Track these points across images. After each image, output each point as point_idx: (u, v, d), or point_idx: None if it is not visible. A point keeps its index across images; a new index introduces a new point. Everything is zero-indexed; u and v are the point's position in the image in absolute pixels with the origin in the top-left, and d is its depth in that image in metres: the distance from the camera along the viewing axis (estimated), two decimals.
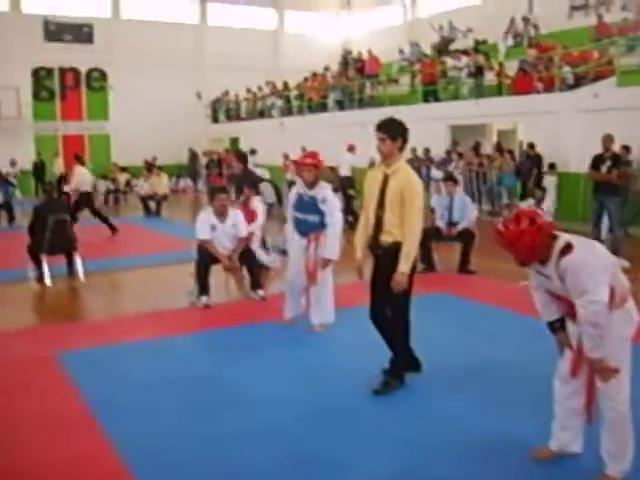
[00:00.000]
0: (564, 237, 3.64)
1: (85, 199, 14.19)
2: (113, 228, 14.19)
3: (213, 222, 8.08)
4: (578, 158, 13.71)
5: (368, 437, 4.46)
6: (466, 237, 9.72)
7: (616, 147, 11.44)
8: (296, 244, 6.80)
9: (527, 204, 13.95)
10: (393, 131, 5.02)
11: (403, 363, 5.29)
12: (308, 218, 6.62)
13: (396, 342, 5.24)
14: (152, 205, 18.32)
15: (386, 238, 5.04)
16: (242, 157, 12.10)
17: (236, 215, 8.27)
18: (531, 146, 15.28)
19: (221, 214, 8.11)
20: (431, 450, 4.23)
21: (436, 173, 17.10)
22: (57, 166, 23.72)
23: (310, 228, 6.63)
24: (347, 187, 16.34)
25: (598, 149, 10.98)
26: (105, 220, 14.31)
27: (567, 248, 3.56)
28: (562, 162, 14.80)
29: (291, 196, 6.88)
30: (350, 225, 12.69)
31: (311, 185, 6.60)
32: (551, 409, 4.02)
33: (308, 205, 6.61)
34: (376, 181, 5.12)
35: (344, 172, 16.91)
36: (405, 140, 5.08)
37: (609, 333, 3.51)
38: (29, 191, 22.72)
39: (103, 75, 27.51)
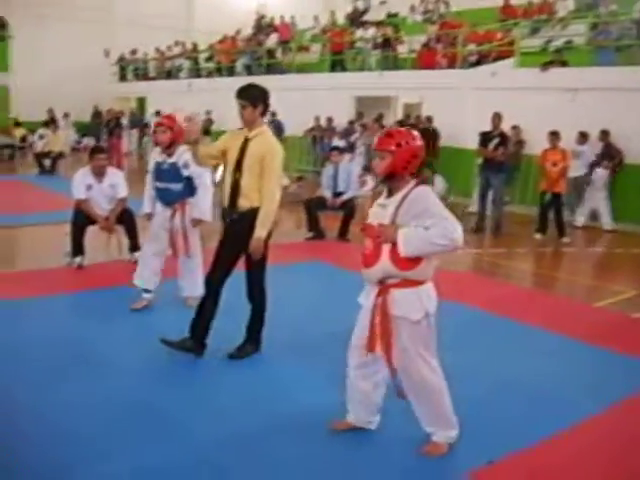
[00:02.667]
0: None
1: None
2: None
3: (89, 181, 7.86)
4: (473, 135, 13.98)
5: (204, 397, 4.54)
6: (348, 208, 9.83)
7: (506, 126, 11.72)
8: (160, 215, 6.34)
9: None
10: (254, 98, 4.90)
11: (261, 329, 5.29)
12: (170, 187, 6.19)
13: (257, 308, 5.23)
14: (47, 163, 17.67)
15: (243, 203, 4.91)
16: None
17: (115, 175, 8.06)
18: (428, 119, 15.43)
19: (98, 174, 7.89)
20: (259, 420, 4.25)
21: (338, 143, 17.13)
22: None
23: (174, 197, 6.23)
24: None
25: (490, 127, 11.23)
26: None
27: (423, 182, 3.66)
28: (460, 138, 15.05)
29: (150, 165, 6.43)
30: None
31: (169, 150, 6.19)
32: None
33: (168, 173, 6.19)
34: (235, 143, 4.97)
35: None
36: (266, 106, 4.96)
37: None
38: None
39: (3, 24, 26.22)
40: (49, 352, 5.22)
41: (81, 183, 7.85)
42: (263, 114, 4.95)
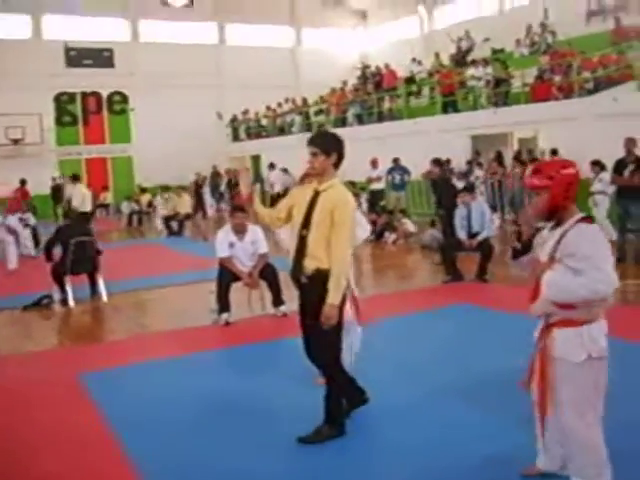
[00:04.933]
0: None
1: None
2: None
3: (231, 240, 8.09)
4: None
5: (369, 445, 4.49)
6: (485, 249, 9.67)
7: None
8: None
9: None
10: (327, 145, 4.44)
11: (339, 409, 4.67)
12: None
13: (332, 383, 4.59)
14: (174, 225, 18.39)
15: (309, 263, 4.37)
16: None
17: (255, 232, 8.25)
18: (554, 152, 15.07)
19: (239, 232, 8.12)
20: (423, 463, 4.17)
21: (458, 184, 16.99)
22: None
23: None
24: (378, 200, 17.67)
25: (618, 154, 10.85)
26: None
27: (588, 218, 3.45)
28: (585, 169, 14.56)
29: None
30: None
31: None
32: None
33: None
34: (304, 197, 4.52)
35: (375, 186, 17.95)
36: (341, 156, 4.47)
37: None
38: (48, 214, 22.86)
39: (124, 98, 27.79)
40: (212, 405, 5.36)
41: (224, 242, 8.10)
42: (336, 165, 4.48)
